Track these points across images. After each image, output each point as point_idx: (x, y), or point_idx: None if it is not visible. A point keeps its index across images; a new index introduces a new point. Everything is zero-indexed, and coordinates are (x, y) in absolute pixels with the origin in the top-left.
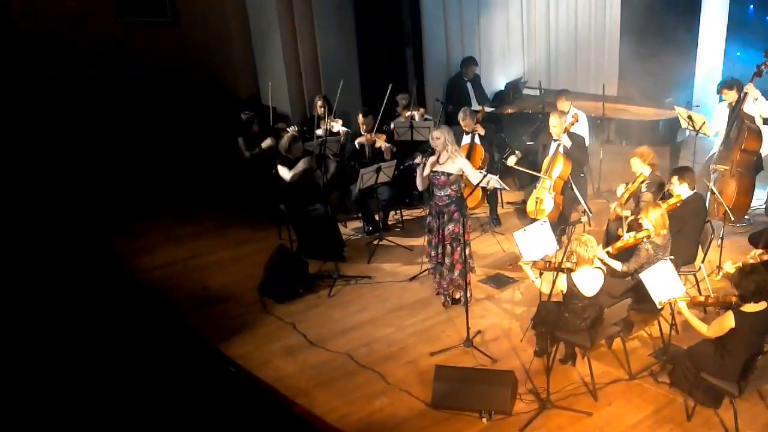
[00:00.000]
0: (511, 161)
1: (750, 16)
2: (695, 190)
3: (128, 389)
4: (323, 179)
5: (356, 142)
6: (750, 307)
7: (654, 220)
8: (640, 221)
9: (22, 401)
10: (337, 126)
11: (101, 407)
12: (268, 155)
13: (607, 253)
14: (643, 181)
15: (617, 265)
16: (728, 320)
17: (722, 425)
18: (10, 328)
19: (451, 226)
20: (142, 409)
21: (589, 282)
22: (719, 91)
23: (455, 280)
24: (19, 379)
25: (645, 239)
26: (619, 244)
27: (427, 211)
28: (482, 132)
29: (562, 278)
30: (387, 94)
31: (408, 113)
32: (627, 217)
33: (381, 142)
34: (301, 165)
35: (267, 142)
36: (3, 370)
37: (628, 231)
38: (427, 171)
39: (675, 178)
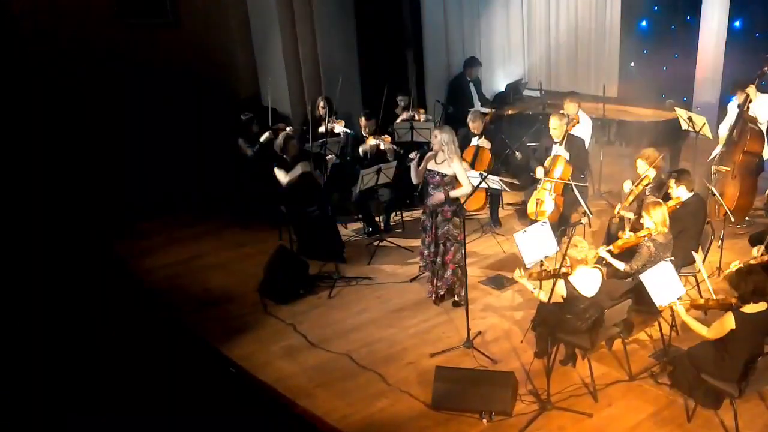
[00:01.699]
0: (540, 173)
1: (751, 17)
2: (694, 192)
3: (130, 389)
4: (323, 179)
5: (360, 150)
6: (750, 308)
7: (656, 218)
8: (641, 220)
9: (23, 401)
10: (339, 127)
11: (102, 407)
12: (270, 153)
13: (609, 252)
14: (647, 184)
15: (620, 265)
16: (728, 321)
17: (722, 426)
18: (14, 329)
19: (445, 227)
20: (144, 409)
21: (588, 282)
22: (733, 92)
23: (447, 279)
24: (20, 379)
25: (646, 237)
26: (620, 242)
27: (422, 210)
28: (487, 145)
29: (561, 283)
30: (384, 96)
31: (406, 114)
32: (630, 219)
33: (386, 144)
34: (299, 169)
35: (265, 136)
36: (6, 370)
37: (630, 230)
38: (422, 167)
39: (672, 182)
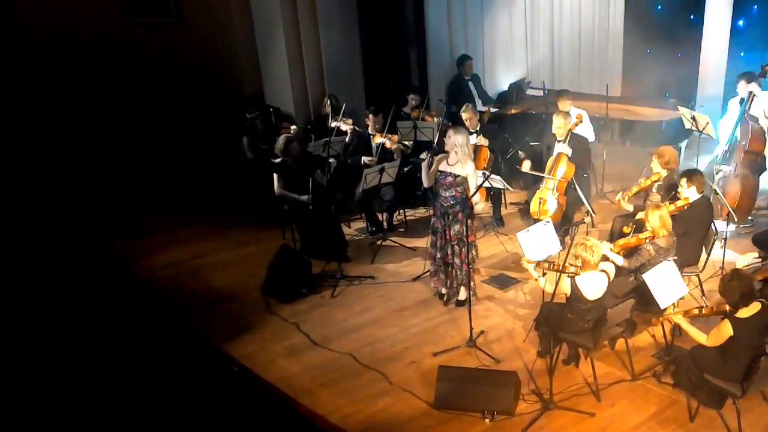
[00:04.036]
0: (526, 167)
1: (754, 17)
2: (703, 194)
3: (131, 389)
4: (325, 180)
5: (374, 144)
6: (744, 312)
7: (653, 222)
8: (645, 222)
9: (24, 401)
10: (346, 126)
11: (104, 406)
12: (270, 155)
13: (610, 249)
14: (656, 181)
15: (619, 261)
16: (726, 329)
17: (725, 426)
18: (15, 329)
19: (456, 227)
20: (145, 408)
21: (593, 286)
22: (737, 81)
23: (463, 280)
24: (21, 378)
25: (647, 240)
26: (622, 241)
27: (432, 212)
28: (485, 142)
29: (566, 281)
30: (390, 94)
31: (415, 114)
32: (631, 212)
33: (393, 143)
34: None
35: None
36: (6, 371)
37: (634, 230)
38: (434, 169)
39: (683, 181)
